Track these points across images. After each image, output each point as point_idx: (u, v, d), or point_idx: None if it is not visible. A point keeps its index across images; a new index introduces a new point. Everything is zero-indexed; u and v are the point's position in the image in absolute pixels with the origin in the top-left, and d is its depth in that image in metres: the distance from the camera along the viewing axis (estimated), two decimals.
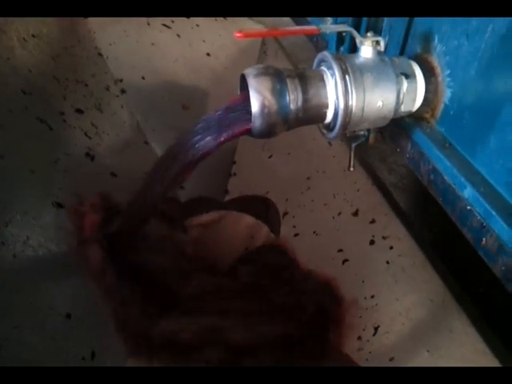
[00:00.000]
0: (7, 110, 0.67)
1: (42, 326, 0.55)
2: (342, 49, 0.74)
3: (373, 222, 0.88)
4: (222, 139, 0.52)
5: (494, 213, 0.46)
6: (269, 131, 0.52)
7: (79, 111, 0.89)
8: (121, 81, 1.14)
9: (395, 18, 0.60)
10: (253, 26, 1.39)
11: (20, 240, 0.57)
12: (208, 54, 1.34)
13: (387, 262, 0.83)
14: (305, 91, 0.51)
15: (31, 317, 0.54)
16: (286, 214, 1.06)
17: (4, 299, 0.53)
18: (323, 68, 0.53)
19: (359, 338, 0.79)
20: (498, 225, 0.46)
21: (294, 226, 1.02)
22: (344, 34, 0.72)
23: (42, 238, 0.62)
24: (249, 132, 0.53)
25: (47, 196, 0.68)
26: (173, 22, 1.28)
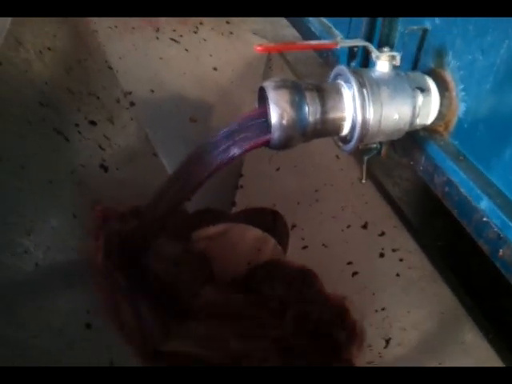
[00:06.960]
0: (26, 122, 0.68)
1: (61, 335, 0.55)
2: (353, 64, 0.75)
3: (382, 234, 0.89)
4: (242, 150, 0.53)
5: (511, 224, 0.47)
6: (287, 143, 0.52)
7: (92, 123, 0.90)
8: (130, 93, 1.15)
9: (408, 34, 0.62)
10: (258, 41, 1.41)
11: (41, 249, 0.58)
12: (215, 69, 1.36)
13: (397, 275, 0.83)
14: (323, 104, 0.52)
15: (51, 326, 0.54)
16: (294, 226, 1.06)
17: (25, 308, 0.53)
18: (340, 81, 0.54)
19: (370, 350, 0.79)
20: None
21: (303, 239, 1.02)
22: (356, 49, 0.74)
23: (62, 247, 0.62)
24: (267, 143, 0.53)
25: (65, 206, 0.68)
26: (181, 36, 1.30)
